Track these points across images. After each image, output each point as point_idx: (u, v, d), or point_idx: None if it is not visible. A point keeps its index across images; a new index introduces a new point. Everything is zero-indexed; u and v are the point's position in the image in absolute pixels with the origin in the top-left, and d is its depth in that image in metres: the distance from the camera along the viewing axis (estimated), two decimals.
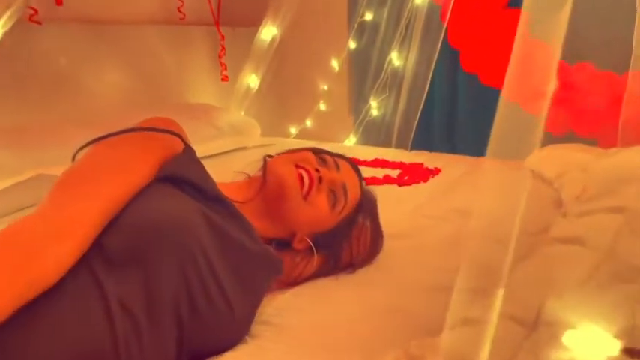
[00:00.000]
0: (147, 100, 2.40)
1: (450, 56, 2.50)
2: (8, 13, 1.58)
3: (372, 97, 2.73)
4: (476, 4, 2.36)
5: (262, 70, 2.66)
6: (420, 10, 2.44)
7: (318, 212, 0.99)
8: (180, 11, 2.48)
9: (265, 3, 2.60)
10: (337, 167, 1.05)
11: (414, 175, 1.90)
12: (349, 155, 2.05)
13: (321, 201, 0.99)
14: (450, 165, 1.98)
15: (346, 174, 1.06)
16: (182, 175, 0.81)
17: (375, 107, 2.73)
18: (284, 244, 1.00)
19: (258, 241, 0.87)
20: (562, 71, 2.15)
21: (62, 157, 0.83)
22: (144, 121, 0.86)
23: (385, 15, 2.67)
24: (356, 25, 2.76)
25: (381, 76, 2.66)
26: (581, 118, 2.16)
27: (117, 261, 0.71)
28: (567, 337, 0.49)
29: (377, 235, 1.12)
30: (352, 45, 2.82)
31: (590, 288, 0.67)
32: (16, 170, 1.55)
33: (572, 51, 2.11)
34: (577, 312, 0.54)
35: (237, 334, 0.84)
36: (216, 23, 2.65)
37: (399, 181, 1.84)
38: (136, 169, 0.78)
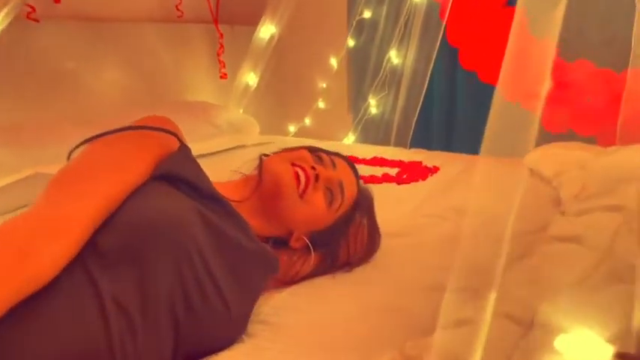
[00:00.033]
0: (145, 98, 2.40)
1: (449, 54, 2.50)
2: (5, 11, 1.57)
3: (370, 95, 2.72)
4: (475, 2, 2.36)
5: (261, 68, 2.66)
6: (419, 7, 2.43)
7: (314, 210, 0.99)
8: (178, 9, 2.48)
9: (264, 1, 2.60)
10: (333, 165, 1.05)
11: (412, 173, 1.90)
12: (348, 153, 2.05)
13: (317, 199, 0.99)
14: (448, 163, 1.98)
15: (342, 172, 1.05)
16: (178, 174, 0.81)
17: (373, 105, 2.73)
18: (281, 242, 0.99)
19: (254, 240, 0.87)
20: (561, 69, 2.15)
21: (60, 155, 0.83)
22: (140, 119, 0.86)
23: (384, 13, 2.66)
24: (354, 23, 2.75)
25: (380, 74, 2.65)
26: (580, 116, 2.15)
27: (112, 259, 0.71)
28: (560, 342, 0.49)
29: (374, 232, 1.12)
30: (351, 43, 2.81)
31: (585, 290, 0.66)
32: (13, 168, 1.55)
33: (572, 49, 2.10)
34: (570, 316, 0.53)
35: (233, 333, 0.84)
36: (215, 21, 2.64)
37: (398, 180, 1.84)
38: (131, 168, 0.78)
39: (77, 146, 0.81)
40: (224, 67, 2.66)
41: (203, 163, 0.89)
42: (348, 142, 2.78)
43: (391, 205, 1.51)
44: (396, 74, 2.59)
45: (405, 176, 1.87)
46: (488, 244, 0.49)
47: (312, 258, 1.01)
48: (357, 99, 2.87)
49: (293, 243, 1.00)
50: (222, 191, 0.88)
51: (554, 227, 1.04)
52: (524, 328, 0.58)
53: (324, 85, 2.92)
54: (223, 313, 0.79)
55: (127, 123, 0.84)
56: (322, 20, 2.93)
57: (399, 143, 2.50)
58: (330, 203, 1.01)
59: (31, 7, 1.86)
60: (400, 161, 2.06)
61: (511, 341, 0.57)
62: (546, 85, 0.54)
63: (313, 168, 0.99)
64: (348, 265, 1.08)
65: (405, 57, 2.51)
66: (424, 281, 1.02)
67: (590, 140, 2.00)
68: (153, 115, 0.87)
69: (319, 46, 2.92)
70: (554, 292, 0.64)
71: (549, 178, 1.58)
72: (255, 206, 0.97)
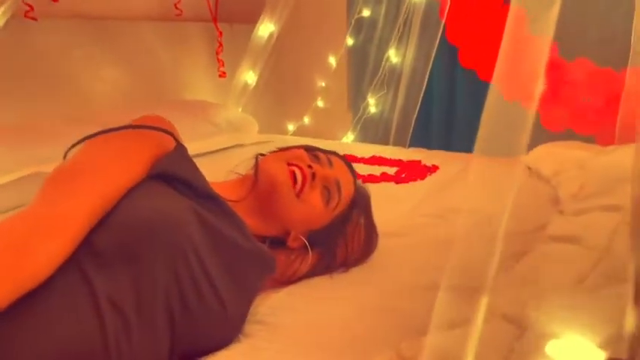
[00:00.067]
0: (144, 97, 2.39)
1: (448, 52, 2.49)
2: (3, 9, 1.57)
3: (369, 94, 2.72)
4: (474, 0, 2.35)
5: (260, 67, 2.65)
6: (418, 6, 2.43)
7: (311, 209, 0.99)
8: (177, 7, 2.47)
9: None
10: (330, 163, 1.05)
11: (411, 172, 1.90)
12: (347, 152, 2.05)
13: (314, 198, 0.99)
14: (447, 162, 1.98)
15: (339, 170, 1.05)
16: (174, 173, 0.81)
17: (372, 104, 2.73)
18: (278, 242, 0.99)
19: (251, 239, 0.87)
20: (561, 68, 2.15)
21: (57, 153, 0.83)
22: (136, 119, 0.86)
23: (383, 11, 2.66)
24: (353, 22, 2.75)
25: (379, 73, 2.65)
26: (579, 115, 2.15)
27: (107, 258, 0.71)
28: (551, 348, 0.48)
29: (371, 231, 1.11)
30: (350, 41, 2.81)
31: (581, 291, 0.66)
32: (11, 168, 1.55)
33: (571, 48, 2.10)
34: (562, 320, 0.53)
35: (230, 333, 0.84)
36: (214, 20, 2.64)
37: (397, 179, 1.84)
38: (127, 167, 0.78)
39: (73, 145, 0.81)
40: (223, 65, 2.66)
41: (202, 162, 0.89)
42: (347, 141, 2.78)
43: (389, 204, 1.50)
44: (395, 73, 2.59)
45: (403, 175, 1.87)
46: (483, 244, 0.48)
47: (310, 257, 1.01)
48: (356, 98, 2.87)
49: (290, 242, 1.00)
50: (218, 191, 0.87)
51: (552, 227, 1.04)
52: (520, 329, 0.58)
53: (323, 84, 2.92)
54: (219, 312, 0.79)
55: (125, 122, 0.84)
56: (321, 19, 2.93)
57: (399, 142, 2.50)
58: (328, 202, 1.01)
59: (29, 6, 1.85)
60: (399, 160, 2.06)
61: (507, 342, 0.56)
62: (541, 84, 0.53)
63: (310, 167, 0.99)
64: (346, 264, 1.08)
65: (404, 56, 2.51)
66: (421, 281, 1.01)
67: (589, 139, 2.00)
68: (149, 115, 0.87)
69: (318, 44, 2.92)
70: (547, 294, 0.63)
71: (548, 177, 1.58)
72: (252, 206, 0.97)
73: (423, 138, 2.58)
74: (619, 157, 1.35)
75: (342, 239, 1.05)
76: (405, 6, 2.51)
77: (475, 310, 0.46)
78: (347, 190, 1.04)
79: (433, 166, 1.96)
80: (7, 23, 1.59)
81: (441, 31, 2.35)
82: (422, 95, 2.45)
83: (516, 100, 0.58)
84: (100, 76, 2.24)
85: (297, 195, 0.97)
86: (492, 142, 0.52)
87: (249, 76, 2.66)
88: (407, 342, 0.67)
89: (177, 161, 0.83)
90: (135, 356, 0.70)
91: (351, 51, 2.84)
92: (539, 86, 0.52)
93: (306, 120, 2.96)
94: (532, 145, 1.91)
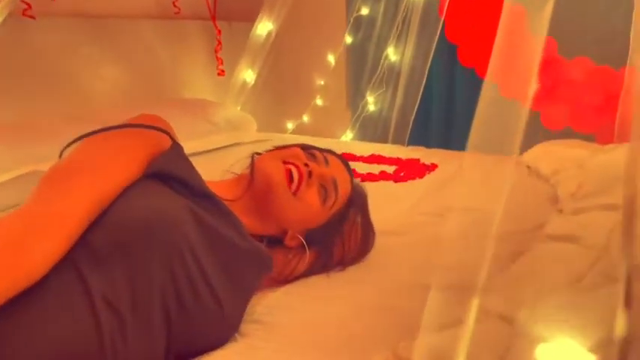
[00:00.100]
0: (142, 95, 2.39)
1: (447, 51, 2.49)
2: (0, 7, 1.56)
3: (368, 93, 2.71)
4: None
5: (258, 65, 2.65)
6: (417, 4, 2.42)
7: (308, 207, 0.98)
8: (175, 5, 2.47)
9: None
10: (326, 162, 1.04)
11: (410, 171, 1.89)
12: (346, 151, 2.05)
13: (311, 196, 0.99)
14: (446, 160, 1.97)
15: (336, 169, 1.05)
16: (170, 172, 0.81)
17: (371, 102, 2.72)
18: (275, 241, 0.99)
19: (247, 238, 0.86)
20: (560, 66, 2.14)
21: (56, 152, 0.83)
22: (132, 118, 0.85)
23: (382, 9, 2.65)
24: (352, 20, 2.75)
25: (378, 71, 2.64)
26: (578, 113, 2.14)
27: (102, 257, 0.70)
28: (540, 352, 0.48)
29: (368, 230, 1.11)
30: (349, 40, 2.80)
31: (575, 293, 0.66)
32: (9, 166, 1.54)
33: (570, 46, 2.09)
34: (555, 322, 0.53)
35: (226, 332, 0.84)
36: (213, 18, 2.63)
37: (395, 177, 1.84)
38: (123, 165, 0.78)
39: (69, 144, 0.81)
40: (222, 63, 2.65)
41: (200, 161, 0.88)
42: (346, 140, 2.77)
43: (388, 203, 1.50)
44: (394, 71, 2.59)
45: (402, 174, 1.86)
46: (477, 243, 0.48)
47: (307, 256, 1.01)
48: (355, 96, 2.86)
49: (288, 241, 1.00)
50: (214, 190, 0.87)
51: (551, 226, 1.04)
52: (516, 329, 0.58)
53: (322, 82, 2.91)
54: (216, 311, 0.78)
55: (124, 120, 0.84)
56: (320, 17, 2.92)
57: (398, 140, 2.49)
58: (324, 200, 1.00)
59: (27, 4, 1.85)
60: (398, 159, 2.05)
61: (503, 342, 0.56)
62: (534, 82, 0.53)
63: (306, 165, 0.99)
64: (343, 263, 1.08)
65: (403, 54, 2.50)
66: (420, 280, 1.01)
67: (588, 137, 2.00)
68: (145, 114, 0.87)
69: (317, 42, 2.92)
70: (543, 294, 0.63)
71: (547, 175, 1.58)
72: (249, 205, 0.97)
73: (422, 136, 2.58)
74: (618, 155, 1.34)
75: (339, 238, 1.05)
76: (404, 4, 2.50)
77: (467, 310, 0.46)
78: (344, 189, 1.04)
79: (432, 164, 1.95)
80: (4, 21, 1.58)
81: (440, 28, 2.35)
82: (421, 93, 2.45)
83: (513, 97, 0.57)
84: (98, 75, 2.23)
85: (294, 193, 0.97)
86: (486, 139, 0.52)
87: (248, 75, 2.66)
88: (404, 342, 0.67)
89: (173, 160, 0.83)
90: (131, 355, 0.70)
91: (350, 49, 2.84)
92: (533, 84, 0.52)
93: (305, 118, 2.96)
94: (531, 143, 1.91)
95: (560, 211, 1.19)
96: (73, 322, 0.67)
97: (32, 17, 1.87)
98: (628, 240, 0.40)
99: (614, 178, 1.13)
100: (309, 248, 1.00)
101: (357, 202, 1.08)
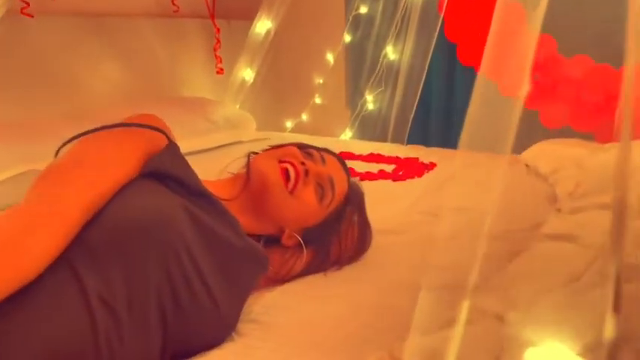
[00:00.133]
0: (141, 94, 2.39)
1: (447, 49, 2.48)
2: None
3: (367, 91, 2.71)
4: None
5: (257, 64, 2.65)
6: (416, 2, 2.42)
7: (305, 206, 0.98)
8: (174, 4, 2.46)
9: None
10: (323, 161, 1.04)
11: (408, 169, 1.89)
12: (345, 150, 2.05)
13: (308, 194, 0.98)
14: (445, 159, 1.97)
15: (332, 167, 1.04)
16: (166, 171, 0.80)
17: (370, 101, 2.72)
18: (273, 240, 0.99)
19: (244, 237, 0.86)
20: (559, 65, 2.14)
21: (54, 151, 0.82)
22: (128, 117, 0.85)
23: (380, 8, 2.65)
24: (351, 18, 2.74)
25: (377, 70, 2.64)
26: (578, 112, 2.14)
27: (98, 256, 0.70)
28: (529, 355, 0.48)
29: (365, 229, 1.11)
30: (347, 38, 2.80)
31: (571, 293, 0.65)
32: (7, 165, 1.54)
33: (570, 44, 2.09)
34: (546, 323, 0.53)
35: (222, 332, 0.83)
36: (212, 16, 2.63)
37: (394, 176, 1.83)
38: (119, 165, 0.78)
39: (65, 143, 0.81)
40: (220, 62, 2.65)
41: (199, 159, 0.88)
42: (345, 138, 2.77)
43: (387, 202, 1.50)
44: (393, 70, 2.59)
45: (401, 173, 1.86)
46: (473, 242, 0.48)
47: (305, 255, 1.01)
48: (354, 95, 2.86)
49: (285, 240, 1.00)
50: (211, 189, 0.87)
51: (549, 225, 1.03)
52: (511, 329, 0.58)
53: (321, 81, 2.91)
54: (212, 311, 0.78)
55: (122, 119, 0.84)
56: (319, 15, 2.92)
57: (397, 139, 2.49)
58: (321, 199, 1.00)
59: (25, 2, 1.84)
60: (397, 158, 2.05)
61: (499, 341, 0.56)
62: (527, 81, 0.53)
63: (303, 163, 0.98)
64: (339, 262, 1.07)
65: (402, 52, 2.50)
66: (417, 279, 1.00)
67: (588, 136, 2.00)
68: (141, 113, 0.87)
69: (316, 41, 2.91)
70: (538, 295, 0.63)
71: (546, 174, 1.58)
72: (245, 205, 0.96)
73: (421, 135, 2.58)
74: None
75: (336, 237, 1.05)
76: (403, 2, 2.50)
77: (466, 310, 0.45)
78: (340, 187, 1.04)
79: (431, 163, 1.95)
80: (2, 20, 1.58)
81: (439, 27, 2.34)
82: (420, 92, 2.44)
83: (510, 95, 0.57)
84: (97, 73, 2.23)
85: (291, 192, 0.96)
86: (479, 137, 0.51)
87: (247, 73, 2.65)
88: (399, 342, 0.66)
89: (169, 159, 0.83)
90: (126, 355, 0.70)
91: (349, 48, 2.83)
92: (526, 82, 0.52)
93: (304, 117, 2.96)
94: (530, 142, 1.91)
95: (559, 210, 1.19)
96: (69, 321, 0.67)
97: (30, 15, 1.86)
98: (618, 241, 0.40)
99: (612, 178, 1.13)
100: (306, 247, 1.00)
101: (354, 200, 1.08)
